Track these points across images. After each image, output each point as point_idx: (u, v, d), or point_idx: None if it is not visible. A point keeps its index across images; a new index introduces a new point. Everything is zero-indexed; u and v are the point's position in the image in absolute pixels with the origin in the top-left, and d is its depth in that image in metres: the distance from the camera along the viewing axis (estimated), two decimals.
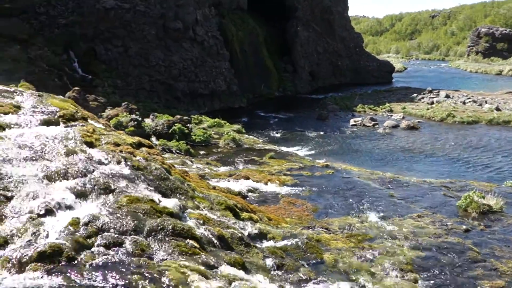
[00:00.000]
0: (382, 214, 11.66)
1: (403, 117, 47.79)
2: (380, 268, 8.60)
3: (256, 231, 8.57)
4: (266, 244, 8.39)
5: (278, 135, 40.39)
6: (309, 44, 73.23)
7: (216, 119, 31.03)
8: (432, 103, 55.57)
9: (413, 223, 11.15)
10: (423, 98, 59.45)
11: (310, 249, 8.52)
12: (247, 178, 14.32)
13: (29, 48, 32.00)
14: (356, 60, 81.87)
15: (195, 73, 47.52)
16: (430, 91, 63.99)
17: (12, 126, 8.42)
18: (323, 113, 49.43)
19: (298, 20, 73.18)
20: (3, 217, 6.29)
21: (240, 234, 8.02)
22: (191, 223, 7.70)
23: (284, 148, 26.79)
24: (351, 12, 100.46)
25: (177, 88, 45.10)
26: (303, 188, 13.28)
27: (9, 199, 6.62)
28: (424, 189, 14.59)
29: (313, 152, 33.78)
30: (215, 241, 7.50)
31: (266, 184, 13.68)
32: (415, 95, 61.54)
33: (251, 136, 29.81)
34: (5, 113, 8.70)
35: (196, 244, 7.10)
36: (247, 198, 12.14)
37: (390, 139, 38.66)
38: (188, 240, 7.10)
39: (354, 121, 45.70)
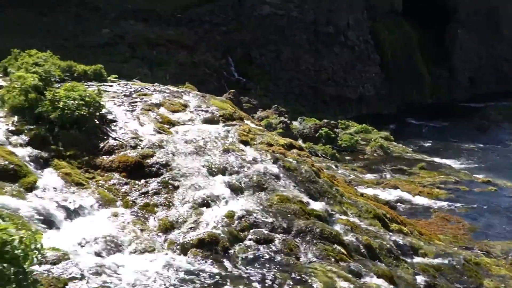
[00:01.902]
0: None
1: None
2: None
3: (407, 245, 8.15)
4: (416, 259, 7.93)
5: (430, 145, 37.89)
6: (469, 48, 67.36)
7: (364, 125, 30.34)
8: None
9: None
10: None
11: (467, 272, 7.82)
12: (395, 187, 13.73)
13: (194, 54, 35.17)
14: None
15: (344, 78, 47.20)
16: None
17: (180, 123, 9.30)
18: (484, 123, 44.93)
19: (458, 22, 67.71)
20: (171, 204, 6.98)
21: (388, 246, 7.72)
22: (338, 228, 7.64)
23: (436, 159, 25.08)
24: None
25: (325, 92, 45.31)
26: (459, 204, 12.31)
27: (176, 188, 7.32)
28: None
29: (470, 166, 30.94)
30: (362, 250, 7.34)
31: (416, 196, 12.96)
32: None
33: (399, 144, 28.52)
34: (175, 111, 9.65)
35: (343, 250, 7.03)
36: (396, 209, 11.65)
37: None
38: (335, 245, 7.06)
39: None
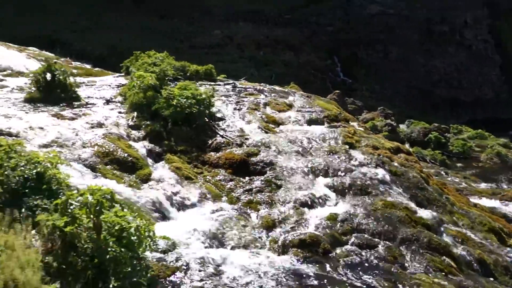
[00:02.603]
0: None
1: None
2: None
3: None
4: None
5: None
6: None
7: (479, 130, 28.14)
8: None
9: None
10: None
11: None
12: None
13: (300, 54, 35.37)
14: None
15: (458, 80, 44.21)
16: None
17: (285, 122, 9.38)
18: None
19: None
20: (273, 202, 7.07)
21: (505, 263, 7.08)
22: (448, 239, 7.18)
23: None
24: None
25: (436, 94, 42.84)
26: None
27: (279, 187, 7.40)
28: None
29: None
30: (475, 265, 6.81)
31: None
32: None
33: None
34: (280, 111, 9.77)
35: (452, 263, 6.58)
36: None
37: None
38: (444, 257, 6.64)
39: None
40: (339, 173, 7.91)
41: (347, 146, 8.77)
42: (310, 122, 9.69)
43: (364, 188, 7.64)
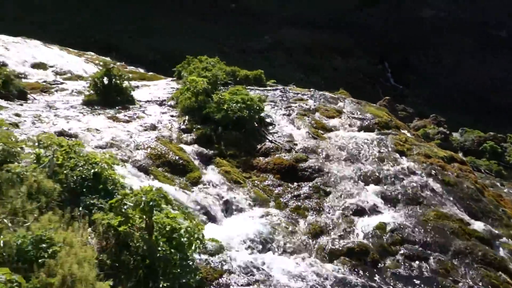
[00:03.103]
0: None
1: None
2: None
3: None
4: None
5: None
6: None
7: None
8: None
9: None
10: None
11: None
12: None
13: (349, 59, 34.96)
14: None
15: None
16: None
17: (334, 128, 9.29)
18: None
19: None
20: (321, 209, 7.02)
21: None
22: (504, 254, 6.88)
23: None
24: None
25: (491, 102, 41.11)
26: None
27: (327, 194, 7.34)
28: None
29: None
30: None
31: None
32: None
33: None
34: (330, 117, 9.68)
35: (509, 279, 6.30)
36: None
37: None
38: (499, 272, 6.37)
39: None
40: (390, 181, 7.75)
41: (398, 154, 8.58)
42: (360, 128, 9.54)
43: (415, 198, 7.45)
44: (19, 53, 13.13)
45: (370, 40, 39.35)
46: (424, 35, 42.28)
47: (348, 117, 9.94)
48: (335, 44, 36.10)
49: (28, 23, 26.78)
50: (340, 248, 6.22)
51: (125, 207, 4.74)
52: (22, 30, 18.57)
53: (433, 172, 8.17)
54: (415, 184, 7.69)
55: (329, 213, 6.92)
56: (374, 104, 12.74)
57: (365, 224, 6.73)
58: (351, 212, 6.99)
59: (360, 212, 7.00)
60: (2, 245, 3.76)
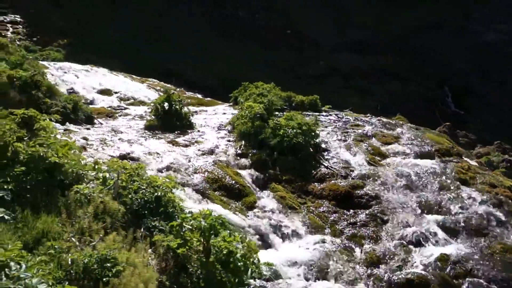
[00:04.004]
0: None
1: None
2: None
3: None
4: None
5: None
6: None
7: None
8: None
9: None
10: None
11: None
12: None
13: (407, 83, 34.29)
14: None
15: None
16: None
17: (392, 155, 9.10)
18: None
19: None
20: (379, 237, 6.86)
21: None
22: None
23: None
24: None
25: None
26: None
27: (385, 222, 7.17)
28: None
29: None
30: None
31: None
32: None
33: None
34: (387, 143, 9.51)
35: None
36: None
37: None
38: None
39: None
40: (451, 211, 7.46)
41: (460, 183, 8.26)
42: (420, 155, 9.28)
43: (479, 229, 7.12)
44: (87, 80, 13.95)
45: (430, 65, 38.42)
46: (487, 59, 40.78)
47: (406, 143, 9.71)
48: (392, 69, 35.54)
49: (96, 49, 28.26)
50: (399, 280, 6.03)
51: (183, 229, 4.87)
52: (90, 58, 19.69)
53: (498, 202, 7.78)
54: (479, 215, 7.36)
55: (387, 242, 6.74)
56: (434, 130, 12.38)
57: (424, 255, 6.49)
58: (410, 241, 6.77)
59: (419, 242, 6.77)
60: (70, 263, 3.96)
